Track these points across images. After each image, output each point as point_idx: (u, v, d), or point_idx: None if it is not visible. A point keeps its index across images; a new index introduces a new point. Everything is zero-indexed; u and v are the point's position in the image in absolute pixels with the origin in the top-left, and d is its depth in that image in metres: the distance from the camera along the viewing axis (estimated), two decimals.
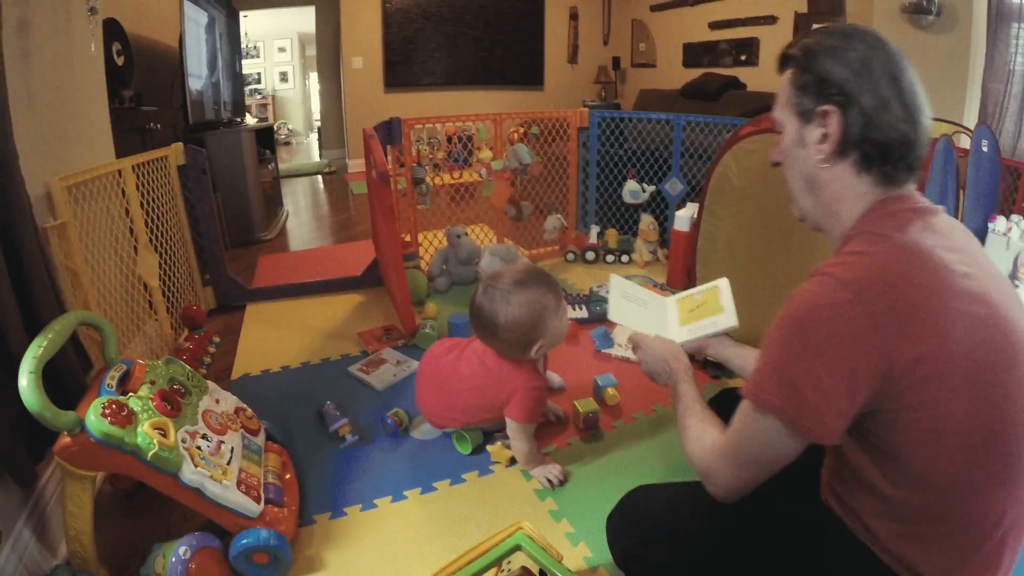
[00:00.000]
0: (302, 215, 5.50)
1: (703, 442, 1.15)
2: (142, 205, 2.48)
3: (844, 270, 0.95)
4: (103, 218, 2.22)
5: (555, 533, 1.66)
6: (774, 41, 6.04)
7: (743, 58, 6.41)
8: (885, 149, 1.02)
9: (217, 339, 2.73)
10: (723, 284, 1.69)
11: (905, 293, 0.91)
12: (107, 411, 1.27)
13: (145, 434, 1.29)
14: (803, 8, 5.60)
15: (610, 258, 3.84)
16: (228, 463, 1.48)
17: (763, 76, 6.19)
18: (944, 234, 0.99)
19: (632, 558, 1.25)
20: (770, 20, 6.03)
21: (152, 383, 1.46)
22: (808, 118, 1.08)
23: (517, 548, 1.43)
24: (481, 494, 1.81)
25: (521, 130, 3.60)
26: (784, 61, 1.15)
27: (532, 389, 1.81)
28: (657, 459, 1.96)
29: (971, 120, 3.92)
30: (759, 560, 1.09)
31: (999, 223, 2.70)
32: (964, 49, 3.92)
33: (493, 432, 2.02)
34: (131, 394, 1.39)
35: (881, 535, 1.01)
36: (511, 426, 1.84)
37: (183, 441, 1.39)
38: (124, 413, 1.30)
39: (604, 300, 3.09)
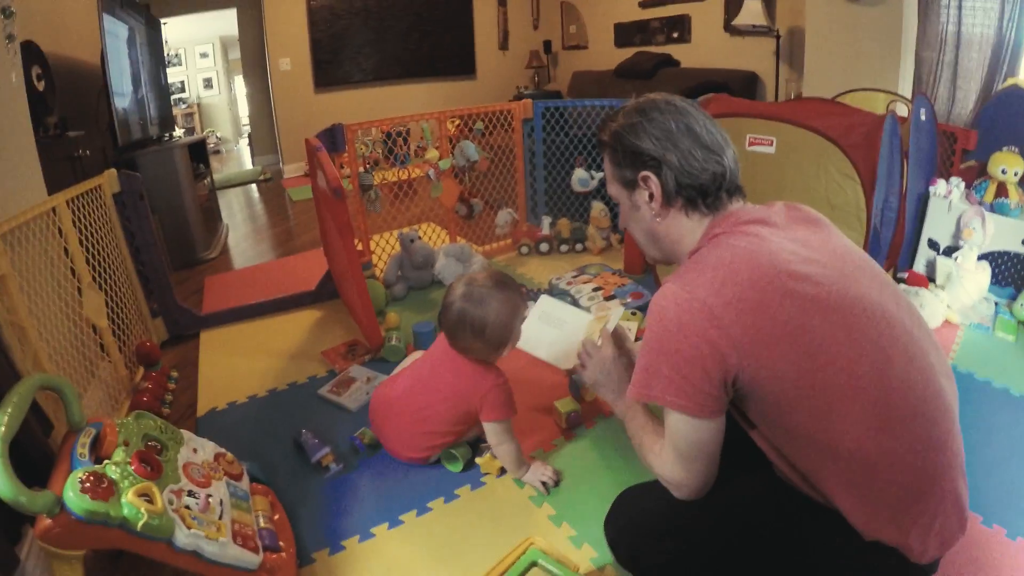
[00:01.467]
0: (241, 228, 5.32)
1: (658, 454, 1.26)
2: (81, 242, 2.33)
3: (686, 278, 1.13)
4: (42, 262, 2.08)
5: (558, 538, 1.65)
6: (706, 17, 6.09)
7: (675, 35, 6.43)
8: (702, 189, 1.23)
9: (175, 374, 2.61)
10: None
11: (732, 289, 1.07)
12: (86, 485, 1.18)
13: (131, 503, 1.21)
14: None
15: (564, 248, 3.83)
16: (220, 517, 1.40)
17: (697, 52, 6.24)
18: (774, 230, 1.18)
19: (636, 557, 1.33)
20: None
21: (126, 444, 1.37)
22: (632, 186, 1.29)
23: (534, 565, 1.41)
24: (478, 508, 1.78)
25: (457, 122, 3.54)
26: (602, 146, 1.36)
27: (503, 384, 1.82)
28: None
29: (906, 88, 4.05)
30: (745, 529, 1.21)
31: (939, 186, 2.83)
32: (896, 19, 4.01)
33: (479, 444, 1.98)
34: (107, 461, 1.30)
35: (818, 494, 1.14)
36: (493, 430, 1.82)
37: (170, 503, 1.31)
38: (104, 485, 1.21)
39: (565, 293, 3.07)
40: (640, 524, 1.34)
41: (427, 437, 1.88)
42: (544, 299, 2.10)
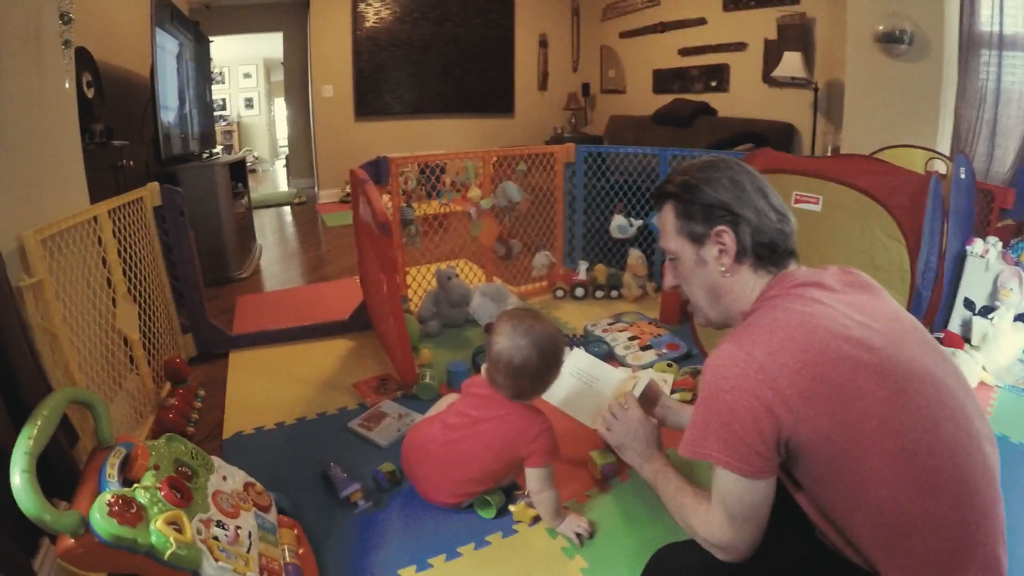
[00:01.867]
0: (274, 250, 5.33)
1: (703, 516, 1.23)
2: (119, 252, 2.33)
3: (744, 339, 1.12)
4: (79, 270, 2.06)
5: None
6: (744, 67, 6.09)
7: (713, 84, 6.43)
8: (771, 247, 1.25)
9: (202, 392, 2.58)
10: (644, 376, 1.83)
11: (789, 352, 1.07)
12: (114, 509, 1.14)
13: (159, 531, 1.17)
14: (772, 35, 5.64)
15: (599, 293, 3.78)
16: (248, 550, 1.35)
17: (734, 102, 6.22)
18: (829, 293, 1.18)
19: None
20: (740, 47, 6.06)
21: (157, 468, 1.32)
22: (702, 241, 1.29)
23: None
24: (509, 557, 1.72)
25: (494, 159, 3.54)
26: (662, 197, 1.36)
27: (550, 429, 1.79)
28: None
29: (944, 145, 4.02)
30: None
31: (976, 245, 2.80)
32: (936, 76, 3.99)
33: (512, 491, 1.92)
34: (136, 485, 1.26)
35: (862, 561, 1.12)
36: (537, 476, 1.76)
37: (199, 532, 1.26)
38: (133, 510, 1.17)
39: (601, 340, 3.03)
40: None
41: (466, 484, 1.83)
42: (578, 353, 2.06)
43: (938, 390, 1.08)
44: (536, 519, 1.83)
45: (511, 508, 1.85)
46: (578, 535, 1.76)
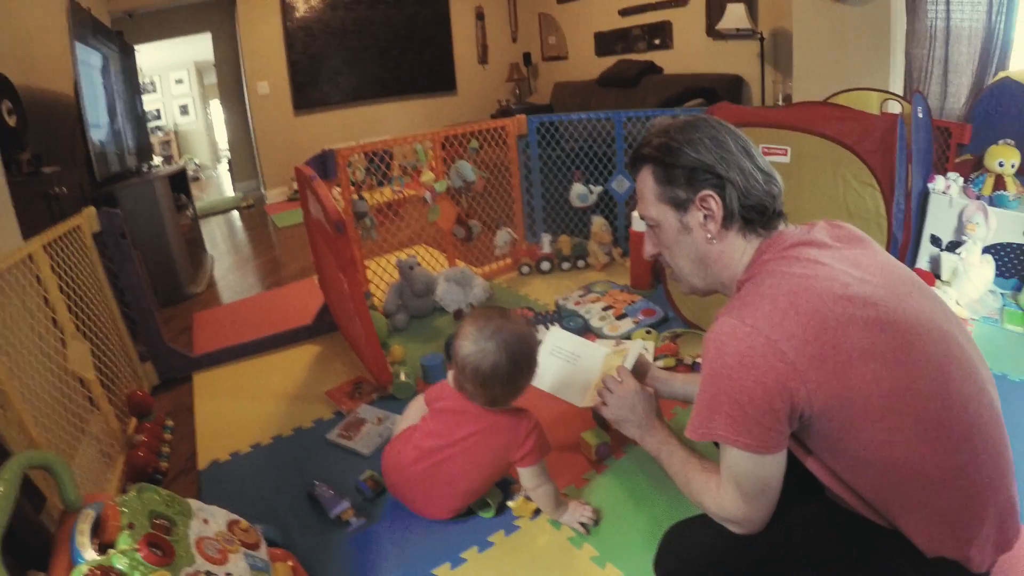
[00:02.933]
0: (226, 259, 5.14)
1: (713, 493, 1.19)
2: (62, 289, 2.16)
3: (743, 311, 1.06)
4: (20, 315, 1.91)
5: None
6: (687, 22, 6.08)
7: (657, 42, 6.42)
8: (760, 210, 1.19)
9: (170, 423, 2.45)
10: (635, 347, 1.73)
11: (794, 320, 1.01)
12: None
13: None
14: None
15: (566, 265, 3.72)
16: None
17: (679, 58, 6.22)
18: (824, 251, 1.13)
19: None
20: (681, 2, 6.06)
21: (132, 527, 1.21)
22: (685, 207, 1.22)
23: None
24: (516, 556, 1.66)
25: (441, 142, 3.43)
26: (640, 161, 1.28)
27: (536, 425, 1.70)
28: None
29: (897, 86, 4.06)
30: (809, 557, 1.15)
31: (938, 183, 2.84)
32: (884, 17, 4.01)
33: (509, 486, 1.86)
34: (111, 550, 1.15)
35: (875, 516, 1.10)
36: (531, 474, 1.69)
37: None
38: None
39: (575, 313, 2.96)
40: (697, 563, 1.25)
41: (458, 500, 1.75)
42: (555, 332, 1.97)
43: (944, 340, 1.05)
44: (537, 511, 1.78)
45: (510, 504, 1.78)
46: (583, 524, 1.70)
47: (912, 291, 1.10)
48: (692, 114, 1.25)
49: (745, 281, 1.17)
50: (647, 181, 1.26)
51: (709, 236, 1.21)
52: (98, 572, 1.07)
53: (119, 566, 1.11)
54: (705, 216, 1.20)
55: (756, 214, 1.18)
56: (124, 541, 1.17)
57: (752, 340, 1.02)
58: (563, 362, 1.90)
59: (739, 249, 1.21)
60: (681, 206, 1.22)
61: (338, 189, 3.02)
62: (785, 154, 2.32)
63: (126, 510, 1.25)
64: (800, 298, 1.04)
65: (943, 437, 1.01)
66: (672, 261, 1.31)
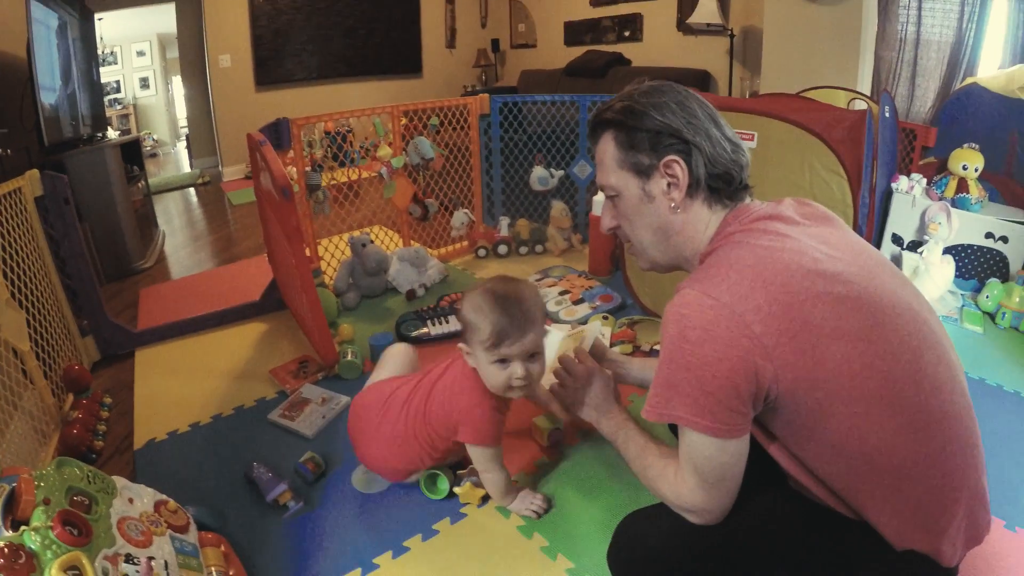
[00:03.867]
0: (179, 235, 4.99)
1: (671, 480, 1.14)
2: None
3: (707, 283, 1.01)
4: None
5: (555, 574, 1.49)
6: (658, 16, 6.10)
7: (627, 34, 6.42)
8: (727, 179, 1.13)
9: (108, 400, 2.34)
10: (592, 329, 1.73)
11: (761, 294, 0.96)
12: (0, 562, 0.96)
13: None
14: None
15: (523, 249, 3.68)
16: None
17: (648, 51, 6.25)
18: (792, 226, 1.08)
19: None
20: None
21: (47, 503, 1.12)
22: (649, 174, 1.15)
23: None
24: (462, 545, 1.60)
25: (404, 121, 3.35)
26: (600, 126, 1.21)
27: (490, 407, 1.58)
28: None
29: (865, 86, 4.14)
30: (771, 549, 1.10)
31: (901, 183, 2.87)
32: (856, 19, 4.07)
33: (456, 471, 1.79)
34: (24, 527, 1.06)
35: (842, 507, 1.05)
36: (478, 455, 1.62)
37: (105, 573, 1.08)
38: (22, 560, 0.99)
39: None
40: (651, 555, 1.18)
41: (413, 446, 1.65)
42: None
43: (915, 322, 1.01)
44: (485, 499, 1.72)
45: (457, 490, 1.71)
46: (535, 512, 1.65)
47: (883, 271, 1.06)
48: (658, 80, 1.20)
49: (708, 254, 1.11)
50: (608, 147, 1.20)
51: (673, 205, 1.15)
52: (6, 550, 0.99)
53: (30, 545, 1.04)
54: (669, 184, 1.14)
55: (722, 183, 1.13)
56: (38, 518, 1.09)
57: (716, 313, 0.96)
58: None
59: (703, 220, 1.16)
60: (644, 173, 1.16)
61: (291, 162, 2.93)
62: (752, 139, 2.30)
63: (42, 484, 1.17)
64: (768, 270, 0.99)
65: (914, 423, 0.97)
66: (632, 233, 1.25)
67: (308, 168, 2.98)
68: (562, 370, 1.53)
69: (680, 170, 1.12)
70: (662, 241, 1.21)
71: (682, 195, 1.14)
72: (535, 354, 1.50)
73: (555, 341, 1.84)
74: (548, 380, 1.63)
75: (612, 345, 2.43)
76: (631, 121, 1.15)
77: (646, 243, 1.24)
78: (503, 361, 1.47)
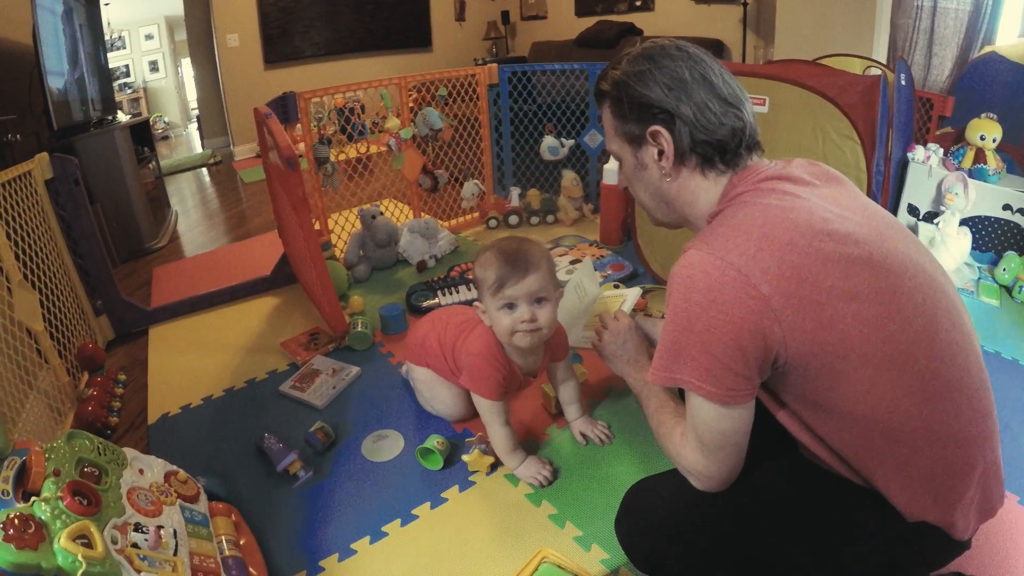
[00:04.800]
0: (192, 214, 5.00)
1: (677, 441, 1.13)
2: (9, 236, 2.05)
3: (714, 243, 0.98)
4: None
5: (563, 541, 1.49)
6: None
7: (638, 3, 6.32)
8: (719, 146, 1.09)
9: (123, 377, 2.36)
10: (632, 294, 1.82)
11: (769, 254, 0.93)
12: (9, 532, 0.96)
13: (65, 550, 0.99)
14: None
15: (534, 220, 3.65)
16: (175, 553, 1.20)
17: (660, 21, 6.15)
18: (802, 187, 1.04)
19: (657, 560, 1.17)
20: None
21: (57, 474, 1.14)
22: (639, 142, 1.14)
23: None
24: (470, 512, 1.60)
25: (414, 95, 3.32)
26: (599, 96, 1.21)
27: (482, 358, 1.65)
28: (641, 432, 1.80)
29: (880, 54, 4.03)
30: (778, 518, 1.08)
31: (918, 152, 2.80)
32: None
33: (464, 440, 1.79)
34: (34, 498, 1.07)
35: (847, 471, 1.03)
36: (478, 405, 1.69)
37: (114, 542, 1.09)
38: (32, 529, 0.99)
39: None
40: (658, 523, 1.17)
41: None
42: (587, 264, 1.99)
43: (930, 285, 0.98)
44: (493, 467, 1.72)
45: (464, 458, 1.72)
46: (539, 481, 1.66)
47: (896, 233, 1.03)
48: (651, 41, 1.16)
49: (716, 215, 1.08)
50: (607, 115, 1.20)
51: (663, 173, 1.14)
52: (16, 521, 1.00)
53: (40, 515, 1.05)
54: (658, 152, 1.13)
55: (713, 149, 1.09)
56: (48, 489, 1.11)
57: (723, 274, 0.93)
58: (576, 299, 1.90)
59: (700, 186, 1.13)
60: (635, 141, 1.15)
61: (299, 138, 2.93)
62: (763, 104, 2.26)
63: (52, 456, 1.19)
64: (776, 230, 0.95)
65: (928, 389, 0.94)
66: (635, 194, 1.25)
67: (316, 141, 2.96)
68: (601, 325, 1.56)
69: (664, 140, 1.10)
70: (662, 205, 1.20)
71: (671, 163, 1.12)
72: (542, 299, 1.54)
73: (597, 298, 1.92)
74: (583, 339, 1.73)
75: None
76: (618, 92, 1.14)
77: (649, 204, 1.24)
78: (510, 306, 1.53)
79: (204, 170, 6.79)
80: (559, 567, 1.26)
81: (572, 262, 2.91)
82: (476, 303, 1.63)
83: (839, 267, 0.93)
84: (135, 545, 1.14)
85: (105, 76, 4.56)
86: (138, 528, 1.18)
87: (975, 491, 0.99)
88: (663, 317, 2.29)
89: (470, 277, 2.70)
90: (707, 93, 1.09)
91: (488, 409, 1.66)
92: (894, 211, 2.86)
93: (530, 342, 1.57)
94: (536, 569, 1.26)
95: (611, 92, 1.16)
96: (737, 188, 1.08)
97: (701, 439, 1.04)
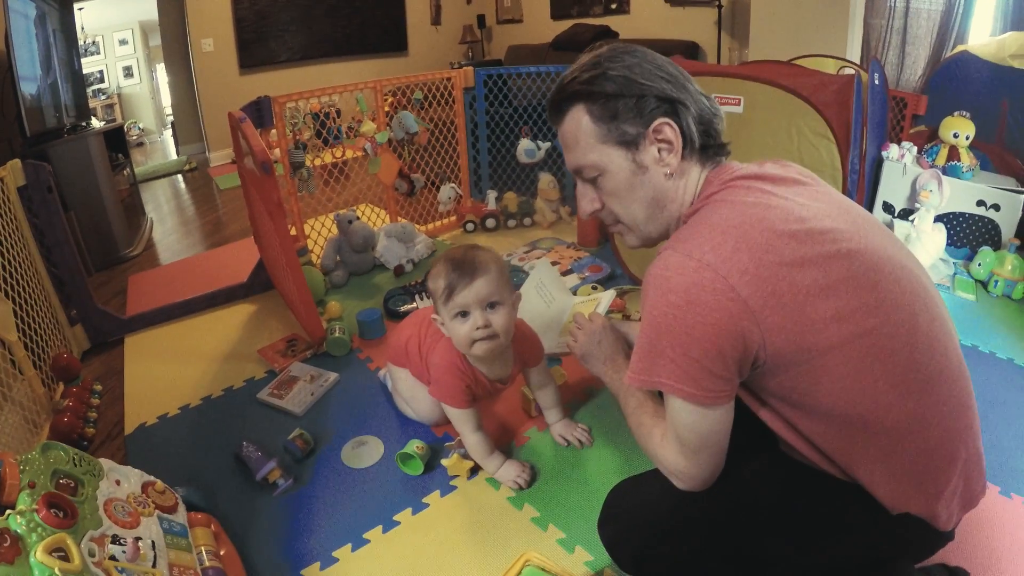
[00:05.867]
0: (167, 221, 4.95)
1: (657, 442, 1.11)
2: None
3: (689, 243, 0.96)
4: None
5: (546, 543, 1.49)
6: None
7: (613, 7, 6.35)
8: (716, 134, 1.09)
9: (99, 387, 2.33)
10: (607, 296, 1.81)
11: (747, 254, 0.91)
12: None
13: (41, 563, 0.98)
14: None
15: (512, 223, 3.65)
16: (154, 565, 1.18)
17: (636, 24, 6.16)
18: (779, 185, 1.03)
19: (641, 560, 1.17)
20: None
21: (32, 486, 1.12)
22: (636, 143, 1.07)
23: None
24: (452, 517, 1.59)
25: (390, 99, 3.31)
26: (568, 100, 1.11)
27: (447, 367, 1.64)
28: (622, 433, 1.80)
29: (854, 55, 4.06)
30: (763, 515, 1.08)
31: (892, 150, 2.84)
32: None
33: (443, 444, 1.80)
34: (9, 511, 1.06)
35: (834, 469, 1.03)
36: (448, 412, 1.68)
37: (91, 555, 1.08)
38: (7, 543, 0.98)
39: (519, 269, 2.91)
40: (642, 523, 1.17)
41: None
42: (543, 266, 1.94)
43: (909, 279, 0.99)
44: (473, 471, 1.72)
45: (444, 462, 1.72)
46: (518, 484, 1.65)
47: (872, 229, 1.02)
48: (616, 43, 1.12)
49: (691, 214, 1.05)
50: (580, 123, 1.09)
51: (668, 171, 1.08)
52: None
53: (15, 528, 1.03)
54: (661, 149, 1.07)
55: (711, 139, 1.09)
56: (23, 501, 1.09)
57: (699, 276, 0.92)
58: (542, 303, 1.91)
59: (692, 180, 1.10)
60: (632, 143, 1.07)
61: (275, 144, 2.91)
62: (738, 104, 2.27)
63: (26, 468, 1.17)
64: (753, 229, 0.94)
65: (910, 382, 0.94)
66: (624, 211, 1.15)
67: (291, 146, 2.94)
68: (576, 325, 1.54)
69: (672, 132, 1.05)
70: (657, 212, 1.13)
71: (678, 158, 1.07)
72: (495, 303, 1.52)
73: (570, 304, 1.90)
74: (558, 344, 1.73)
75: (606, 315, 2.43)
76: (607, 88, 1.06)
77: (640, 219, 1.15)
78: (463, 315, 1.51)
79: (179, 177, 6.73)
80: (543, 570, 1.26)
81: (550, 264, 2.91)
82: (434, 316, 1.61)
83: (817, 264, 0.92)
84: (113, 557, 1.12)
85: (79, 82, 4.51)
86: (116, 540, 1.16)
87: (957, 482, 1.00)
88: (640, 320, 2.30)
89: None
90: (690, 83, 1.09)
91: (458, 417, 1.65)
92: (869, 209, 2.89)
93: (488, 349, 1.54)
94: (520, 572, 1.25)
95: (593, 92, 1.07)
96: (713, 185, 1.06)
97: (682, 440, 1.03)
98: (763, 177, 1.05)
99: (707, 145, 1.09)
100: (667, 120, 1.05)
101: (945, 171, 2.78)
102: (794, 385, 0.97)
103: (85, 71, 4.76)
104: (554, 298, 1.92)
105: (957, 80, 3.25)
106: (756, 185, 1.02)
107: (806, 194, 1.03)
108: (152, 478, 1.45)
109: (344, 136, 3.14)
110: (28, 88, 3.41)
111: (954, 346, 1.01)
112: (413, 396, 1.91)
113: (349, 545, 1.53)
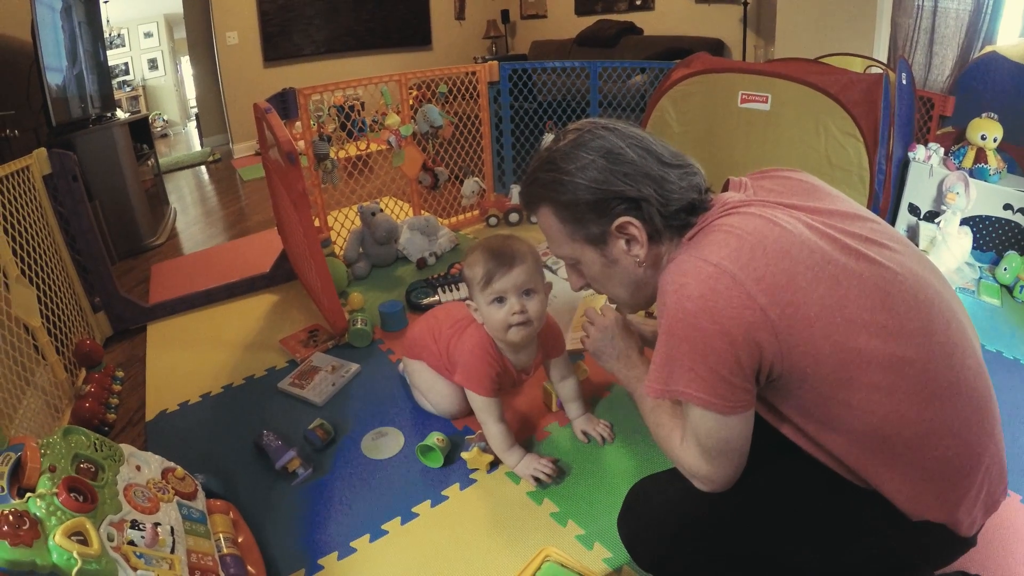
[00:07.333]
0: (191, 212, 4.98)
1: (677, 444, 1.10)
2: (6, 231, 2.03)
3: (705, 251, 0.95)
4: None
5: (565, 539, 1.47)
6: None
7: (638, 3, 6.30)
8: (689, 209, 1.04)
9: (120, 373, 2.35)
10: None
11: (762, 261, 0.91)
12: (4, 529, 0.95)
13: (60, 547, 0.98)
14: None
15: (535, 218, 3.58)
16: (172, 550, 1.18)
17: (660, 20, 6.12)
18: (780, 209, 1.00)
19: (661, 559, 1.16)
20: None
21: (52, 470, 1.12)
22: (604, 240, 1.08)
23: None
24: (470, 510, 1.59)
25: (415, 92, 3.30)
26: (533, 202, 1.14)
27: (477, 355, 1.68)
28: (643, 431, 1.77)
29: (881, 54, 4.00)
30: (782, 518, 1.07)
31: (919, 152, 2.79)
32: None
33: (464, 437, 1.78)
34: (29, 494, 1.06)
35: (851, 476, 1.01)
36: (472, 402, 1.71)
37: (110, 539, 1.08)
38: (27, 526, 0.98)
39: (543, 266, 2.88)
40: (662, 522, 1.15)
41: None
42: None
43: (923, 287, 0.97)
44: (493, 465, 1.71)
45: (464, 455, 1.71)
46: (537, 479, 1.64)
47: (882, 237, 1.02)
48: (578, 125, 1.11)
49: (691, 237, 1.04)
50: (550, 222, 1.13)
51: (638, 261, 1.09)
52: (10, 517, 0.98)
53: (35, 511, 1.03)
54: (627, 242, 1.08)
55: (685, 214, 1.05)
56: (44, 484, 1.10)
57: (716, 282, 0.91)
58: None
59: (669, 250, 1.09)
60: (599, 240, 1.09)
61: (298, 136, 2.91)
62: (765, 101, 2.25)
63: (48, 452, 1.17)
64: (769, 236, 0.93)
65: (927, 392, 0.92)
66: (607, 292, 1.20)
67: (316, 138, 2.95)
68: (588, 321, 1.52)
69: (635, 229, 1.05)
70: (638, 292, 1.16)
71: (645, 249, 1.07)
72: (530, 291, 1.56)
73: (577, 299, 1.92)
74: (571, 340, 1.69)
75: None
76: (565, 196, 1.07)
77: (623, 297, 1.19)
78: (500, 300, 1.56)
79: (203, 168, 6.77)
80: (562, 566, 1.25)
81: None
82: (468, 301, 1.65)
83: (835, 275, 0.92)
84: (131, 542, 1.12)
85: (104, 73, 4.54)
86: (135, 525, 1.16)
87: (979, 488, 0.98)
88: (652, 316, 2.29)
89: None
90: (656, 163, 1.05)
91: (482, 406, 1.66)
92: (895, 211, 2.86)
93: (523, 335, 1.58)
94: (539, 567, 1.24)
95: (553, 198, 1.09)
96: (710, 215, 1.04)
97: (702, 446, 1.02)
98: (761, 203, 1.03)
99: (677, 224, 1.06)
100: (628, 218, 1.05)
101: (972, 173, 2.74)
102: (812, 397, 0.96)
103: (110, 63, 4.78)
104: (555, 295, 1.91)
105: (985, 81, 3.20)
106: (756, 211, 1.00)
107: (811, 208, 1.03)
108: (172, 464, 1.45)
109: (368, 129, 3.14)
110: (54, 79, 3.44)
111: (974, 352, 0.99)
112: (430, 388, 1.90)
113: (367, 536, 1.52)
